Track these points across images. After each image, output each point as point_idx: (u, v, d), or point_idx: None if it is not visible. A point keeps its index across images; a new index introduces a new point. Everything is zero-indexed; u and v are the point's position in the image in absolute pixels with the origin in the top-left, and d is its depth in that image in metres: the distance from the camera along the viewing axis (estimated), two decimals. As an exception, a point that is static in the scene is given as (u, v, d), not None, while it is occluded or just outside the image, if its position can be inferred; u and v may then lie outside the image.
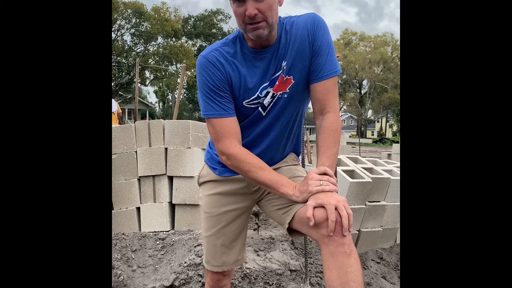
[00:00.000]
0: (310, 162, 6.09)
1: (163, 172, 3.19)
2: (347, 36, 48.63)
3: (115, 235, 3.05)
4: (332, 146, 1.33)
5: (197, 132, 3.29)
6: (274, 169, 1.42)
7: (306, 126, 4.68)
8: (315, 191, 1.22)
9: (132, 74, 31.64)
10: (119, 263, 2.80)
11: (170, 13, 36.01)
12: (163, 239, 3.01)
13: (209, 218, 1.54)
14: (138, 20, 34.33)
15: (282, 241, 2.98)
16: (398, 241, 3.50)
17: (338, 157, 3.50)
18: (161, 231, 3.14)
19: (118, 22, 33.33)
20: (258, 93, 1.38)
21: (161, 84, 45.07)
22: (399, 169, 3.56)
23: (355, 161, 3.69)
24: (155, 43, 36.65)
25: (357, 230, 3.18)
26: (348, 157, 3.69)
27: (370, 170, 3.37)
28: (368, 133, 55.39)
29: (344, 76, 44.80)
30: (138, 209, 3.23)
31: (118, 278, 2.70)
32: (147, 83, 39.74)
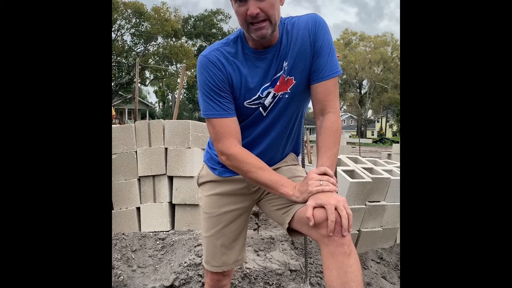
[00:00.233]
0: (310, 162, 6.09)
1: (163, 172, 3.19)
2: (347, 36, 48.61)
3: (115, 235, 3.05)
4: (332, 146, 1.33)
5: (197, 132, 3.29)
6: (274, 169, 1.42)
7: (306, 126, 4.68)
8: (315, 191, 1.22)
9: (132, 74, 31.64)
10: (119, 263, 2.80)
11: (170, 13, 36.03)
12: (163, 239, 3.02)
13: (209, 218, 1.54)
14: (138, 20, 34.33)
15: (282, 241, 2.98)
16: (398, 241, 3.50)
17: (338, 157, 3.50)
18: (161, 231, 3.14)
19: (118, 22, 33.33)
20: (259, 93, 1.38)
21: (161, 84, 45.08)
22: (399, 169, 3.56)
23: (355, 161, 3.69)
24: (155, 43, 36.67)
25: (357, 230, 3.18)
26: (348, 157, 3.69)
27: (370, 170, 3.37)
28: (368, 133, 55.39)
29: (344, 76, 44.79)
30: (138, 209, 3.23)
31: (118, 278, 2.71)
32: (147, 83, 39.75)
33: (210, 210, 1.54)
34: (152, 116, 40.10)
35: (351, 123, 60.24)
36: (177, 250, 2.87)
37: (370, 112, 50.35)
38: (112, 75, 30.18)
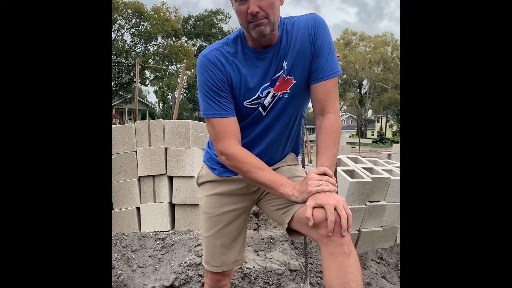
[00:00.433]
0: (310, 162, 6.09)
1: (163, 172, 3.20)
2: (347, 36, 48.61)
3: (115, 235, 3.05)
4: (332, 146, 1.33)
5: (197, 132, 3.30)
6: (274, 169, 1.42)
7: (306, 126, 4.68)
8: (314, 191, 1.22)
9: (132, 74, 31.64)
10: (119, 263, 2.80)
11: (170, 13, 36.02)
12: (163, 239, 3.02)
13: (209, 218, 1.54)
14: (138, 20, 34.31)
15: (282, 241, 2.98)
16: (398, 241, 3.50)
17: (338, 157, 3.50)
18: (161, 231, 3.14)
19: (118, 22, 33.31)
20: (258, 93, 1.38)
21: (161, 84, 45.07)
22: (399, 169, 3.56)
23: (355, 161, 3.69)
24: (155, 43, 36.65)
25: (357, 230, 3.18)
26: (348, 157, 3.69)
27: (370, 170, 3.37)
28: (368, 133, 55.38)
29: (344, 76, 44.79)
30: (138, 209, 3.23)
31: (118, 278, 2.71)
32: (147, 83, 39.74)
33: (209, 210, 1.54)
34: (152, 116, 40.11)
35: (351, 123, 60.23)
36: (177, 250, 2.87)
37: (370, 112, 50.36)
38: (112, 75, 30.18)
